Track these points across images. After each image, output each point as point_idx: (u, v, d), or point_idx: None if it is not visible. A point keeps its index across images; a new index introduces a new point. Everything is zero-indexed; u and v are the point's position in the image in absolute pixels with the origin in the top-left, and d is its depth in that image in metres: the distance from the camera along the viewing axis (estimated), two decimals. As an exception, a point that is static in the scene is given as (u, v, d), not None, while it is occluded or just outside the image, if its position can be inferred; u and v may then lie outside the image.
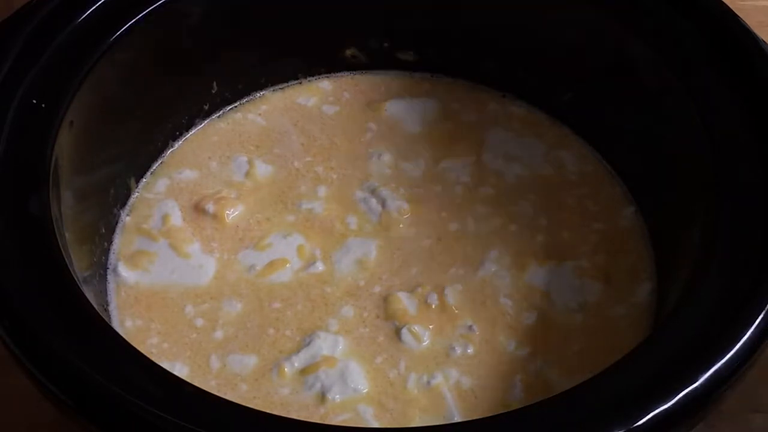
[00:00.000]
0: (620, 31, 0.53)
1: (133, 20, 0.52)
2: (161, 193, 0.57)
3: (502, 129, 0.59)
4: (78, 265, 0.47)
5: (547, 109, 0.60)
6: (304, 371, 0.49)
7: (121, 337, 0.42)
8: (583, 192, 0.57)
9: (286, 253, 0.54)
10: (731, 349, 0.40)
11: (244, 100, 0.61)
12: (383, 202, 0.56)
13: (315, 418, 0.47)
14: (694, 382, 0.39)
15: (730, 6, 0.52)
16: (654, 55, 0.52)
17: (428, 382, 0.49)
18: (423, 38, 0.61)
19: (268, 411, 0.41)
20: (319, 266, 0.53)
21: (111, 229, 0.54)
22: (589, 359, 0.49)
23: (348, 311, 0.51)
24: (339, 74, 0.62)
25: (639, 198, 0.56)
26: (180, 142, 0.59)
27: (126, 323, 0.51)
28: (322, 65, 0.62)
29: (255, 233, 0.55)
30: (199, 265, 0.53)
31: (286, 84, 0.62)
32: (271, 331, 0.51)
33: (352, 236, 0.55)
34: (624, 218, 0.55)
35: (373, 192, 0.56)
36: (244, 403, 0.40)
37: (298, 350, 0.50)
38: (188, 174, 0.57)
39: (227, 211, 0.55)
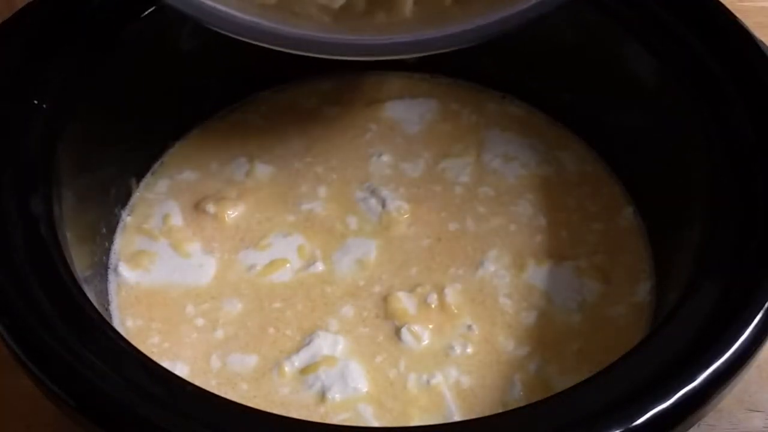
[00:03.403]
0: (619, 32, 0.53)
1: (134, 20, 0.53)
2: (162, 193, 0.57)
3: (502, 129, 0.60)
4: (79, 264, 0.47)
5: (547, 110, 0.60)
6: (304, 371, 0.49)
7: (122, 336, 0.43)
8: (582, 192, 0.57)
9: (287, 253, 0.54)
10: (729, 349, 0.40)
11: (244, 101, 0.61)
12: (383, 202, 0.56)
13: (315, 418, 0.47)
14: (693, 382, 0.39)
15: (729, 7, 0.52)
16: (653, 56, 0.52)
17: (428, 382, 0.49)
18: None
19: (268, 410, 0.41)
20: (319, 266, 0.53)
21: (112, 229, 0.55)
22: (588, 358, 0.49)
23: (348, 311, 0.52)
24: (339, 74, 0.62)
25: (638, 198, 0.56)
26: (180, 143, 0.59)
27: (127, 323, 0.51)
28: (322, 65, 0.62)
29: (255, 233, 0.55)
30: (200, 264, 0.54)
31: (286, 84, 0.62)
32: (272, 330, 0.51)
33: (352, 236, 0.55)
34: (623, 218, 0.55)
35: (373, 192, 0.56)
36: (244, 403, 0.40)
37: (298, 350, 0.50)
38: (189, 174, 0.58)
39: (228, 211, 0.55)
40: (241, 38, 0.47)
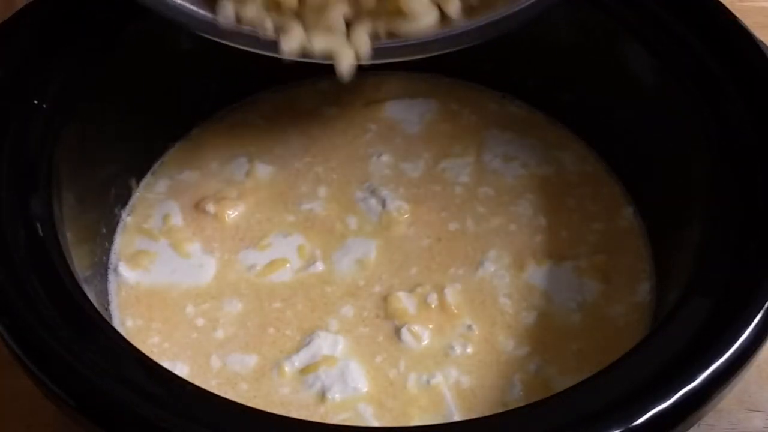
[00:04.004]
0: (619, 32, 0.53)
1: (134, 21, 0.52)
2: (162, 193, 0.57)
3: (502, 129, 0.60)
4: (79, 264, 0.47)
5: (547, 110, 0.60)
6: (304, 370, 0.49)
7: (122, 336, 0.43)
8: (582, 192, 0.57)
9: (287, 252, 0.54)
10: (729, 349, 0.40)
11: (244, 101, 0.61)
12: (383, 202, 0.56)
13: (315, 418, 0.47)
14: (693, 381, 0.39)
15: (729, 7, 0.52)
16: (653, 56, 0.52)
17: (428, 382, 0.49)
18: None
19: (268, 410, 0.41)
20: (319, 266, 0.53)
21: (112, 229, 0.55)
22: (587, 358, 0.49)
23: (348, 311, 0.52)
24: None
25: (638, 198, 0.56)
26: (180, 142, 0.59)
27: (127, 323, 0.51)
28: (322, 65, 0.62)
29: (255, 233, 0.55)
30: (200, 264, 0.54)
31: (285, 84, 0.62)
32: (272, 330, 0.51)
33: (352, 236, 0.55)
34: (623, 218, 0.55)
35: (373, 192, 0.56)
36: (244, 403, 0.40)
37: (298, 350, 0.50)
38: (189, 174, 0.58)
39: (228, 211, 0.55)
40: (237, 47, 0.47)
